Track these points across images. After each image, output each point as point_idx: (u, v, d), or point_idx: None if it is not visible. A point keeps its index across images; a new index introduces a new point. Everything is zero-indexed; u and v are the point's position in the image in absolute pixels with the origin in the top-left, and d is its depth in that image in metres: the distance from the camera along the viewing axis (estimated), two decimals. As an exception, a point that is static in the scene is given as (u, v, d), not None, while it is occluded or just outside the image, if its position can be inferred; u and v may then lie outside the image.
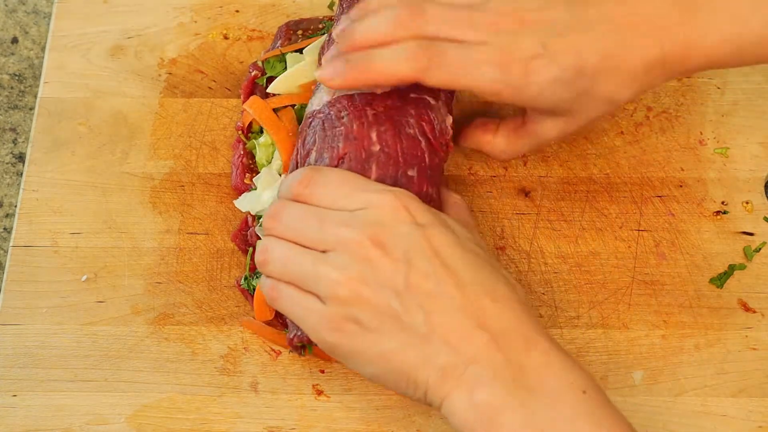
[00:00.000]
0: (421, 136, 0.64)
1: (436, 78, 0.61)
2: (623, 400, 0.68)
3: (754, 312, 0.71)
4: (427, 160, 0.64)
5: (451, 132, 0.67)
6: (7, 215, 0.75)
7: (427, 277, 0.56)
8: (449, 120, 0.67)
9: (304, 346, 0.65)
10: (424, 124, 0.64)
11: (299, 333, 0.62)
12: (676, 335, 0.70)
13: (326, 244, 0.58)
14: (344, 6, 0.70)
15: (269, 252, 0.60)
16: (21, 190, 0.74)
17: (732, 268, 0.72)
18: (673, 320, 0.71)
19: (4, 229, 0.75)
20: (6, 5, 0.85)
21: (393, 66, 0.61)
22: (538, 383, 0.54)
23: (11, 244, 0.71)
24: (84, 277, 0.70)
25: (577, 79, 0.62)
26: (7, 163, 0.77)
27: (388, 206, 0.58)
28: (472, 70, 0.61)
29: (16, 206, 0.74)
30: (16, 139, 0.78)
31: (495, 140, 0.70)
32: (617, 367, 0.69)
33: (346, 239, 0.57)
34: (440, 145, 0.65)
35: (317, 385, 0.67)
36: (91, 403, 0.66)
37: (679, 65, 0.63)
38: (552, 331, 0.70)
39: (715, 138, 0.78)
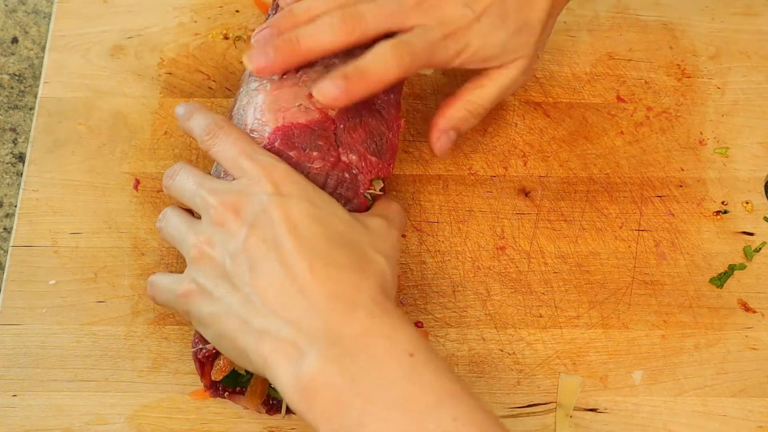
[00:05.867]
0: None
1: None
2: (623, 400, 0.68)
3: (754, 312, 0.71)
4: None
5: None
6: (7, 215, 0.75)
7: (264, 241, 0.55)
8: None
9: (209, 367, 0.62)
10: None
11: (203, 348, 0.61)
12: (676, 335, 0.70)
13: (198, 209, 0.60)
14: None
15: (163, 219, 0.62)
16: (21, 190, 0.74)
17: (732, 268, 0.72)
18: (673, 320, 0.71)
19: (4, 229, 0.75)
20: (6, 5, 0.84)
21: (319, 39, 0.62)
22: (361, 348, 0.52)
23: (11, 244, 0.71)
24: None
25: (508, 20, 0.66)
26: (7, 163, 0.77)
27: (256, 176, 0.58)
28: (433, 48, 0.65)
29: (16, 206, 0.74)
30: (16, 139, 0.78)
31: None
32: (617, 367, 0.69)
33: (209, 205, 0.58)
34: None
35: (317, 385, 0.67)
36: (91, 403, 0.66)
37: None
38: (552, 331, 0.70)
39: (715, 138, 0.78)
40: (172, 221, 0.61)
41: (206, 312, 0.57)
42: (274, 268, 0.55)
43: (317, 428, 0.52)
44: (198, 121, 0.64)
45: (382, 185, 0.67)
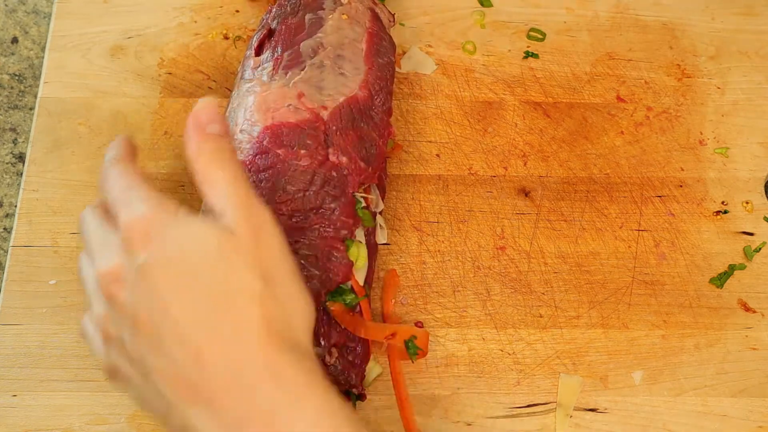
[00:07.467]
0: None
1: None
2: (623, 400, 0.68)
3: (754, 312, 0.71)
4: None
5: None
6: (7, 215, 0.75)
7: (146, 329, 0.50)
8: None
9: None
10: None
11: None
12: (676, 335, 0.70)
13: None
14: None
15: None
16: (21, 190, 0.74)
17: (732, 268, 0.72)
18: (673, 320, 0.71)
19: (4, 229, 0.75)
20: (6, 5, 0.84)
21: None
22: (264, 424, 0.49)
23: (11, 244, 0.71)
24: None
25: None
26: (7, 163, 0.77)
27: (128, 231, 0.52)
28: None
29: (16, 206, 0.74)
30: (16, 139, 0.78)
31: None
32: (617, 367, 0.69)
33: (92, 275, 0.54)
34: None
35: (317, 385, 0.67)
36: (91, 403, 0.66)
37: None
38: (552, 331, 0.70)
39: (715, 138, 0.78)
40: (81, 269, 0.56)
41: (134, 395, 0.54)
42: (163, 362, 0.50)
43: None
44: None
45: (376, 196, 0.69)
